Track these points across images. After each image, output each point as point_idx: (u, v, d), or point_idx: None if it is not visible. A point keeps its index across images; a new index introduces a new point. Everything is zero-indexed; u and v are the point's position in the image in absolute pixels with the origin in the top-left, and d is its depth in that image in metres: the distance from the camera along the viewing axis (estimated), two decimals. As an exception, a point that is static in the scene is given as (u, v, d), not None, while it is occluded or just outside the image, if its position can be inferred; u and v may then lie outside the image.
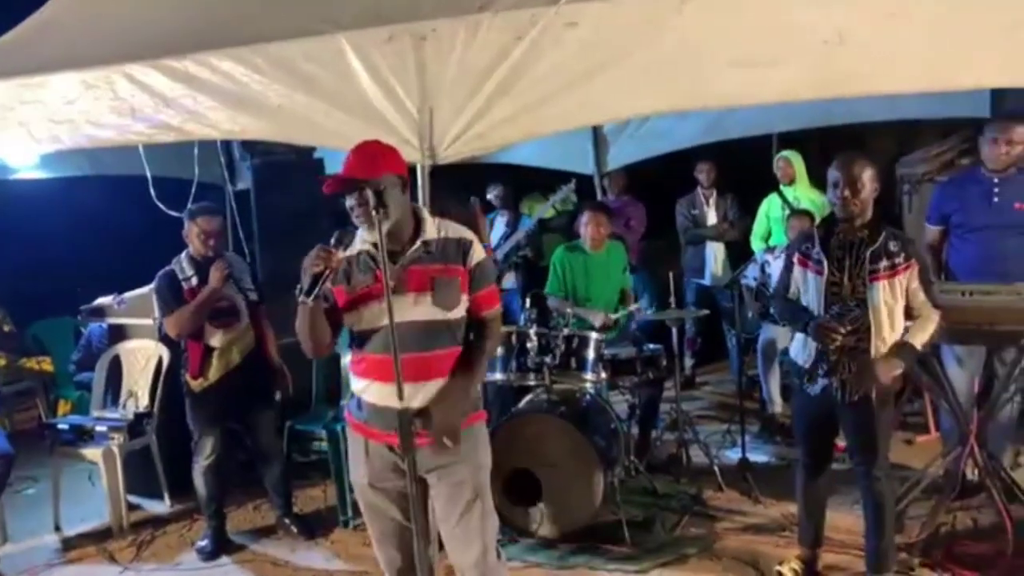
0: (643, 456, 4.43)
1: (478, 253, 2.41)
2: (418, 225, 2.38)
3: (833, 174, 2.89)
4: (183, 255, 3.77)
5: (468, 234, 2.44)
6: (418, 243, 2.34)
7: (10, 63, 3.39)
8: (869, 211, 2.89)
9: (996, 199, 3.67)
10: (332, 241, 2.24)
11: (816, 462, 3.18)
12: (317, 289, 2.18)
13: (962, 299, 3.15)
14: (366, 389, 2.39)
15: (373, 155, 2.31)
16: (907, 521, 3.53)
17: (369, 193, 2.21)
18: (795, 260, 3.09)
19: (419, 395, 2.31)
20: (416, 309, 2.32)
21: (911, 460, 4.06)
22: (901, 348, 2.88)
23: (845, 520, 3.57)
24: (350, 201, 2.27)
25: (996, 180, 3.67)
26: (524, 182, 6.89)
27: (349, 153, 2.32)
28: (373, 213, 2.17)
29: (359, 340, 2.39)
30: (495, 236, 6.09)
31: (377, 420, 2.37)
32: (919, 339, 2.89)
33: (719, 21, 2.61)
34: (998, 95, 4.45)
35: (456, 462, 2.37)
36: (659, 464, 4.53)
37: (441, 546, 2.51)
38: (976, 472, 3.31)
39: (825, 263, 2.94)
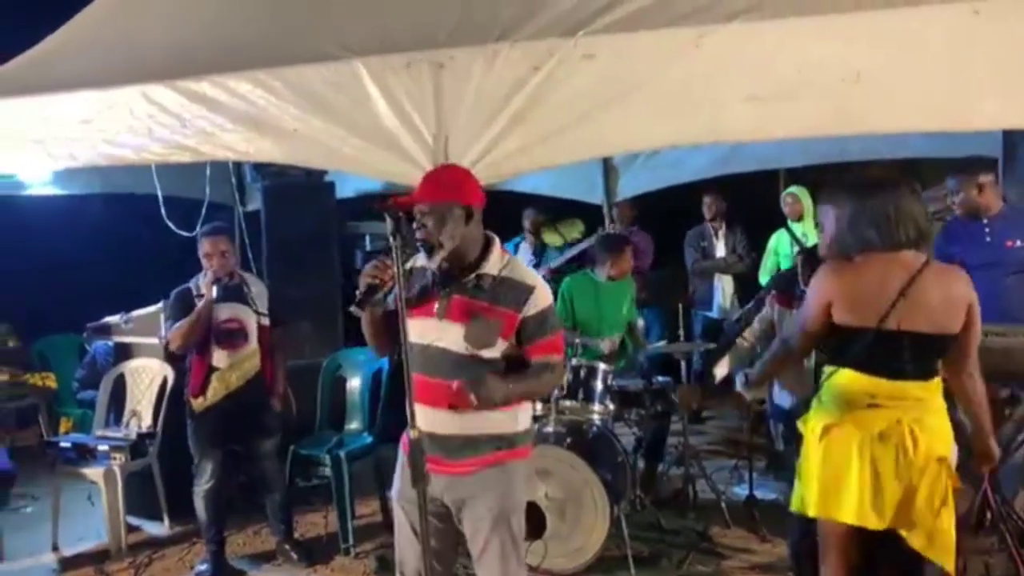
0: (649, 490, 4.38)
1: (539, 303, 2.33)
2: (483, 256, 2.36)
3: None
4: (202, 274, 3.77)
5: (533, 281, 2.36)
6: (472, 276, 2.33)
7: (29, 81, 3.41)
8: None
9: (988, 238, 3.69)
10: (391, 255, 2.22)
11: None
12: (369, 300, 2.22)
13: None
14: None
15: (438, 182, 2.37)
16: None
17: (428, 219, 2.28)
18: (770, 300, 3.08)
19: (437, 422, 2.29)
20: (450, 338, 2.31)
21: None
22: None
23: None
24: (415, 224, 2.30)
25: (985, 220, 3.68)
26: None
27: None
28: (391, 239, 2.14)
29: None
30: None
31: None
32: None
33: (736, 56, 2.60)
34: (1008, 136, 4.47)
35: (475, 497, 2.34)
36: (665, 499, 4.48)
37: None
38: (989, 515, 3.26)
39: None
